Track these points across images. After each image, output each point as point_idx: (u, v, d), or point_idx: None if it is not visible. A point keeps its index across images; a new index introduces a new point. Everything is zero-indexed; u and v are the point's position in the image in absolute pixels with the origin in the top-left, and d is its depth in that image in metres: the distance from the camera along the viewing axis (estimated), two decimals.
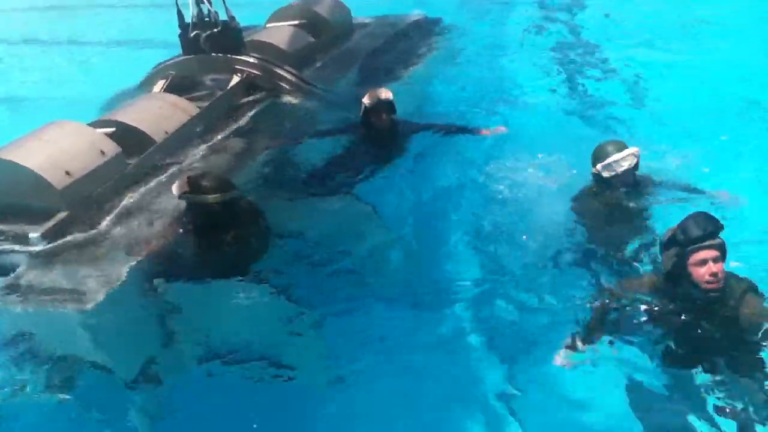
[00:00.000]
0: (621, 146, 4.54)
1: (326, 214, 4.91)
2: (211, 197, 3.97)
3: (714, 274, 3.29)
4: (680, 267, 3.39)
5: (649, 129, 6.43)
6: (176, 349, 4.10)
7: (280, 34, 7.14)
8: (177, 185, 4.02)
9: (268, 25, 7.53)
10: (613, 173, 4.48)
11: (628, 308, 3.66)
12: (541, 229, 4.88)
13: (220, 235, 4.10)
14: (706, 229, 3.29)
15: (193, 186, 3.98)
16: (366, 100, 5.57)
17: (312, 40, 7.30)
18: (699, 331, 3.42)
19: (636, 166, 4.53)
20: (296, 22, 7.47)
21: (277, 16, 7.66)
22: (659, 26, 9.07)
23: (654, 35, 8.80)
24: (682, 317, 3.46)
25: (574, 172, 5.19)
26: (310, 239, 4.66)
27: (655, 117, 6.74)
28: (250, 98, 6.07)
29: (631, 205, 4.58)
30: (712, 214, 3.40)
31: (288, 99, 6.17)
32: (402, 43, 7.86)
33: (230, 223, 4.12)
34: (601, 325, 3.71)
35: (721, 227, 3.33)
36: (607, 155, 4.50)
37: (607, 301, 3.78)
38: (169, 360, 4.07)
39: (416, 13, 8.63)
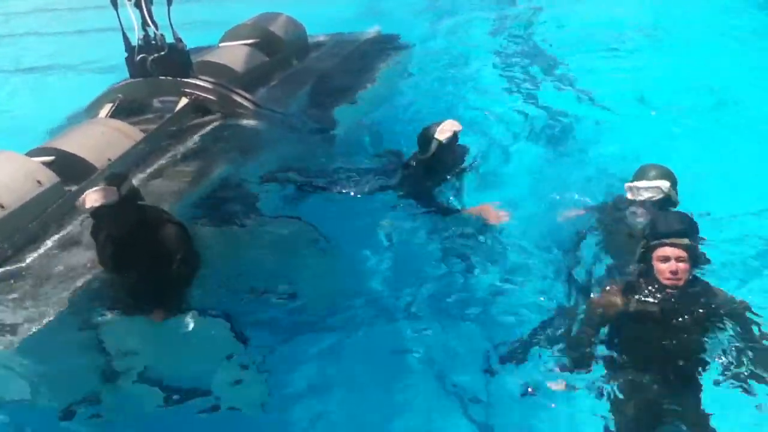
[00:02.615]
0: (657, 175, 4.21)
1: (273, 239, 4.81)
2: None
3: (674, 272, 3.33)
4: (646, 260, 3.46)
5: (605, 140, 6.53)
6: (117, 384, 3.96)
7: (233, 53, 7.07)
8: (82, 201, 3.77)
9: (220, 45, 7.46)
10: (633, 198, 4.23)
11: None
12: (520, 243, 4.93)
13: (142, 251, 3.91)
14: (672, 227, 3.36)
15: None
16: (440, 136, 5.08)
17: (265, 59, 7.24)
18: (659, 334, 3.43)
19: (664, 202, 4.18)
20: (250, 41, 7.39)
21: (231, 35, 7.58)
22: (614, 35, 9.15)
23: (609, 44, 8.92)
24: (646, 318, 3.45)
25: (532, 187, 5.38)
26: (255, 265, 4.58)
27: (614, 128, 6.84)
28: (198, 121, 5.97)
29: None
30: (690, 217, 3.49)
31: (237, 121, 6.09)
32: (358, 61, 7.82)
33: (146, 232, 3.93)
34: (591, 349, 3.63)
35: (692, 230, 3.39)
36: (637, 178, 4.25)
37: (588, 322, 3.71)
38: (109, 396, 3.95)
39: (373, 30, 8.59)
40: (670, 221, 3.43)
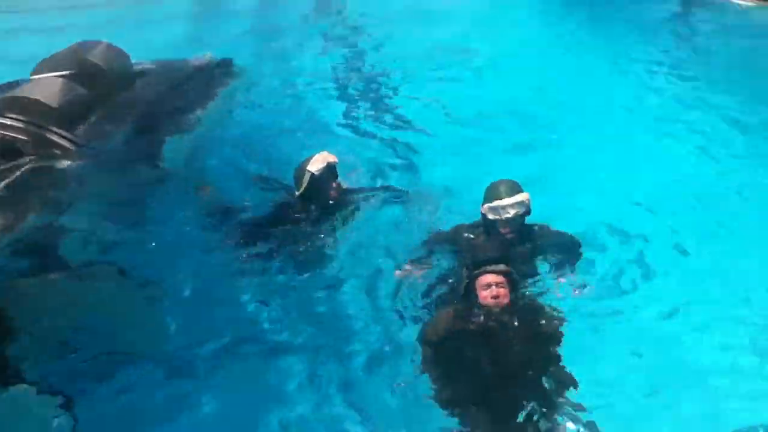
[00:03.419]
0: (514, 189, 4.21)
1: (93, 288, 4.51)
2: None
3: (495, 296, 3.60)
4: (469, 288, 3.70)
5: (445, 149, 6.92)
6: None
7: (47, 87, 6.52)
8: None
9: (32, 78, 6.85)
10: (497, 218, 4.21)
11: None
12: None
13: None
14: (490, 257, 3.65)
15: None
16: (311, 168, 4.87)
17: (85, 91, 6.75)
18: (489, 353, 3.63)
19: (526, 214, 4.26)
20: (66, 72, 6.86)
21: (44, 66, 6.99)
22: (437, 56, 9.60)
23: (441, 65, 9.34)
24: (476, 339, 3.65)
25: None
26: (73, 317, 4.27)
27: (451, 137, 7.24)
28: (7, 165, 5.44)
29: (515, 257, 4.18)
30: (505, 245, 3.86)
31: (54, 162, 5.64)
32: (188, 88, 7.55)
33: None
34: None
35: (507, 260, 3.68)
36: (496, 197, 4.21)
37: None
38: None
39: (204, 56, 8.34)
40: (488, 250, 3.72)
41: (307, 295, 4.83)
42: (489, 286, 3.59)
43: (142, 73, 7.64)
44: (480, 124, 7.50)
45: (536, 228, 4.52)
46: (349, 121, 7.86)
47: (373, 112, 8.12)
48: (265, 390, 4.07)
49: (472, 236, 4.52)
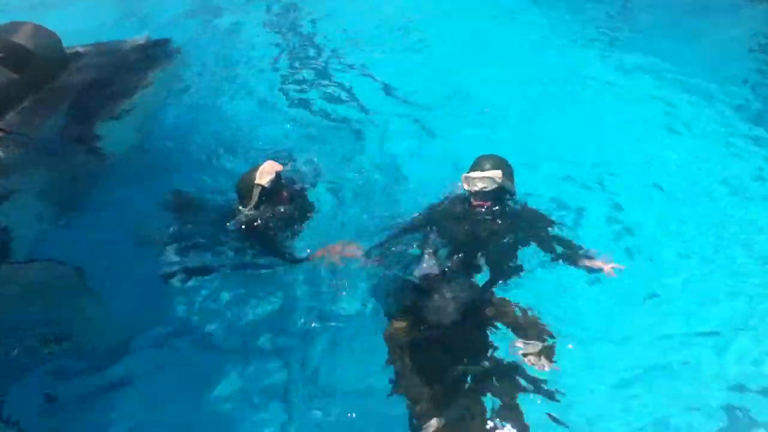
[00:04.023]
0: (490, 165, 4.28)
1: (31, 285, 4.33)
2: None
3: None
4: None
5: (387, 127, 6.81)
6: None
7: None
8: None
9: None
10: (468, 189, 4.29)
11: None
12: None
13: None
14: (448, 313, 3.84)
15: None
16: (261, 180, 4.50)
17: (14, 76, 6.47)
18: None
19: (499, 192, 4.29)
20: None
21: None
22: (381, 32, 9.46)
23: (376, 41, 9.21)
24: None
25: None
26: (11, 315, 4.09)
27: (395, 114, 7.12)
28: None
29: (482, 232, 4.26)
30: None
31: None
32: (125, 71, 7.30)
33: None
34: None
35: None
36: (472, 168, 4.30)
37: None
38: None
39: (140, 37, 8.06)
40: (443, 309, 3.85)
41: (272, 299, 4.62)
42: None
43: (76, 56, 7.35)
44: (426, 103, 7.39)
45: (520, 210, 4.47)
46: (290, 100, 7.64)
47: (315, 91, 7.91)
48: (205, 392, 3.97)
49: (447, 211, 4.50)
